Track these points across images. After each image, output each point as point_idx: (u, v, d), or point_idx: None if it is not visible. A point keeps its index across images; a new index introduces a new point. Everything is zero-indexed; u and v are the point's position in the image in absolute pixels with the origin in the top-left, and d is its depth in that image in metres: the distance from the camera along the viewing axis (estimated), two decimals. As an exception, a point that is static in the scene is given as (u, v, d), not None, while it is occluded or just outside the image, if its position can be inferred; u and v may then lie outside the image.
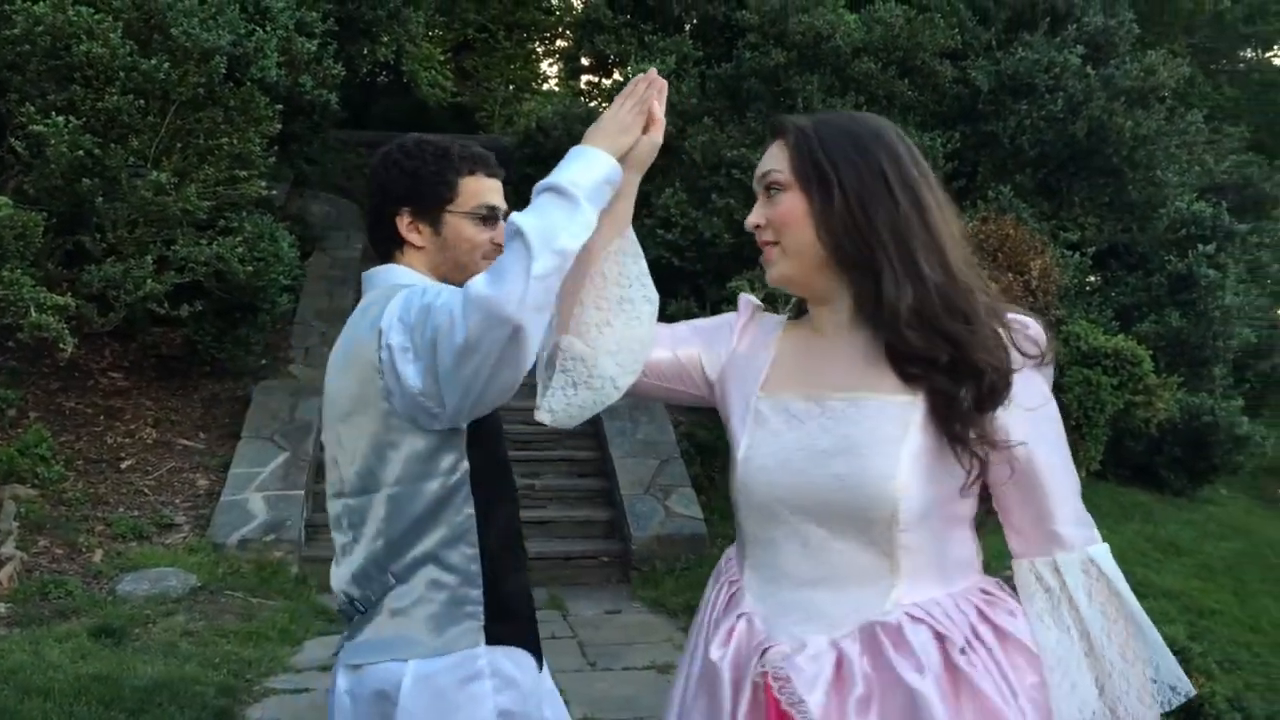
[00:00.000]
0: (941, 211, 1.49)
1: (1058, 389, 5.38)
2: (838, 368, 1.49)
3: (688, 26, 12.13)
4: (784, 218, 1.51)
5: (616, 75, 12.83)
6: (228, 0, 7.34)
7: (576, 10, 15.49)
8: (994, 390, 1.42)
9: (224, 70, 7.02)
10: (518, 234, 1.51)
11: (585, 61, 14.10)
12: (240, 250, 7.10)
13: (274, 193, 8.38)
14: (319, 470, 7.45)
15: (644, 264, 1.62)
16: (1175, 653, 2.94)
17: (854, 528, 1.43)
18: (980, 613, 1.47)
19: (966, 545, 1.54)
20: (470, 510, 1.75)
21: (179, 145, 7.10)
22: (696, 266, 10.22)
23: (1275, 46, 21.23)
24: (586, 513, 7.57)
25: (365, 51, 10.53)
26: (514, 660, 1.77)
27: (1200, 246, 10.23)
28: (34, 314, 5.82)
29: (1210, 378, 10.26)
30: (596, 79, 14.94)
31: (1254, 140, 16.72)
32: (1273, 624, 7.08)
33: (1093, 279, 10.76)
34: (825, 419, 1.46)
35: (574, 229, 1.51)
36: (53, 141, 6.32)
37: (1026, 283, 6.08)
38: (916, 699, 1.36)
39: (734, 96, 10.72)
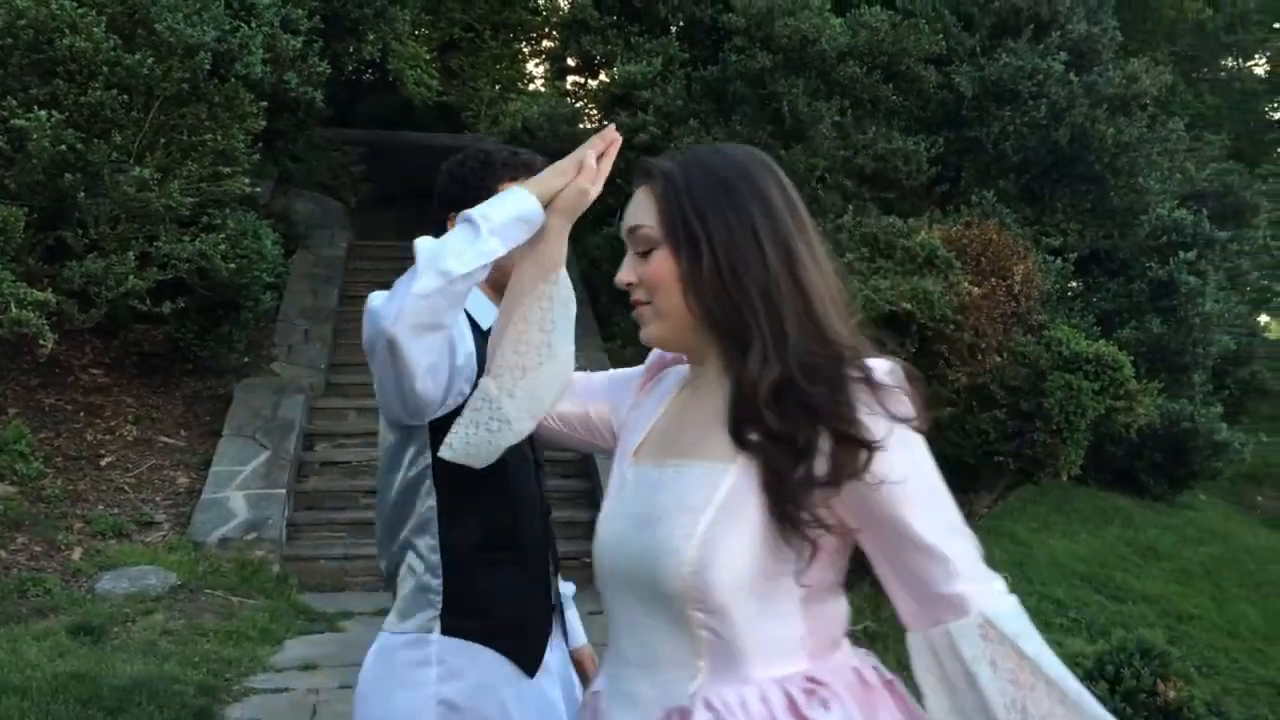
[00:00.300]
0: (814, 258, 1.39)
1: (1040, 393, 5.42)
2: (692, 431, 1.40)
3: (674, 28, 12.15)
4: (654, 278, 1.40)
5: (603, 76, 12.83)
6: (213, -4, 7.30)
7: (563, 11, 15.47)
8: (841, 465, 1.28)
9: (208, 66, 6.98)
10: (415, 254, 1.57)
11: (571, 62, 14.08)
12: (223, 247, 7.06)
13: (258, 190, 8.35)
14: (300, 469, 7.41)
15: (573, 310, 1.60)
16: (1154, 657, 2.97)
17: (658, 604, 1.33)
18: (790, 704, 1.31)
19: (797, 626, 1.37)
20: (432, 503, 1.82)
21: (162, 141, 7.06)
22: (681, 268, 10.23)
23: (1256, 55, 21.42)
24: (570, 514, 7.57)
25: (351, 49, 10.49)
26: (470, 655, 1.80)
27: (1181, 253, 10.32)
28: (14, 310, 5.77)
29: (1190, 384, 10.35)
30: (583, 80, 14.92)
31: (1234, 148, 16.87)
32: (1250, 629, 7.15)
33: (1074, 284, 10.84)
34: (649, 487, 1.39)
35: (466, 255, 1.53)
36: (34, 136, 6.27)
37: (1009, 287, 6.12)
38: None
39: (720, 99, 10.74)
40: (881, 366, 1.34)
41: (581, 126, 13.68)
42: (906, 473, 1.31)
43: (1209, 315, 10.24)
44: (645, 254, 1.42)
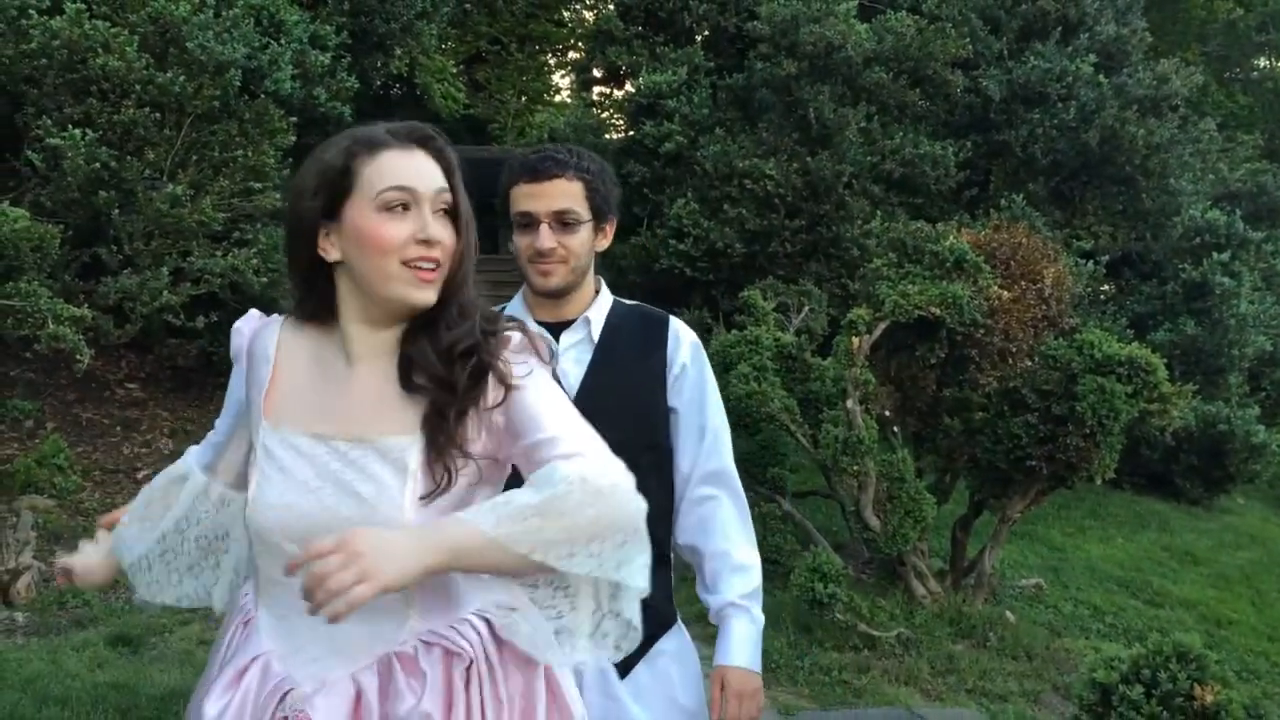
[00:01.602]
0: None
1: (1072, 397, 5.37)
2: (347, 403, 1.44)
3: (699, 38, 12.18)
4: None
5: (628, 86, 12.87)
6: (242, 14, 7.40)
7: (588, 22, 15.56)
8: (476, 394, 1.41)
9: (239, 83, 7.08)
10: None
11: (597, 73, 14.14)
12: (255, 262, 7.14)
13: (288, 205, 8.44)
14: (333, 480, 7.47)
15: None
16: (1190, 661, 2.93)
17: None
18: (489, 627, 1.42)
19: None
20: None
21: (194, 158, 7.15)
22: (709, 276, 10.24)
23: (1289, 54, 21.15)
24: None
25: (379, 64, 10.59)
26: None
27: (1215, 255, 10.20)
28: (51, 326, 5.86)
29: (1226, 386, 10.22)
30: (608, 90, 15.00)
31: (1268, 148, 16.67)
32: (1290, 633, 7.04)
33: (1106, 288, 10.74)
34: (334, 462, 1.42)
35: None
36: (69, 154, 6.38)
37: (1040, 291, 6.06)
38: None
39: (745, 107, 10.75)
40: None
41: (608, 137, 13.73)
42: (531, 388, 1.43)
43: (1244, 316, 10.11)
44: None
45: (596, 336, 2.02)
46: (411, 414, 1.43)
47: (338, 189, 1.43)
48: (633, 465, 1.92)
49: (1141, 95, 10.50)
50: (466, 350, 1.42)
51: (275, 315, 1.57)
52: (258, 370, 1.52)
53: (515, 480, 1.44)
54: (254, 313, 1.58)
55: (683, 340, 2.07)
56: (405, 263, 1.40)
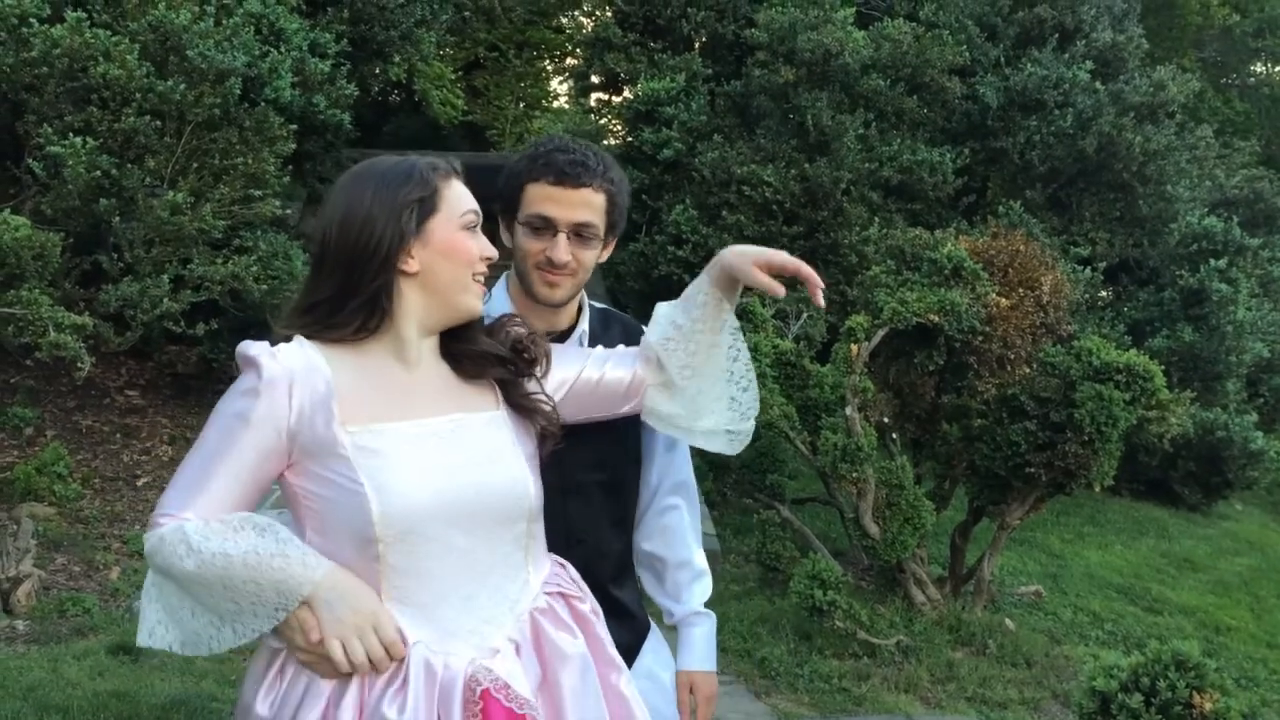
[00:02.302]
0: None
1: (1071, 404, 5.38)
2: (424, 396, 1.58)
3: (697, 45, 12.22)
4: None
5: (626, 92, 12.90)
6: (242, 22, 7.42)
7: (587, 29, 15.59)
8: (534, 357, 1.66)
9: (239, 91, 7.09)
10: None
11: (595, 79, 14.19)
12: (255, 269, 7.15)
13: (288, 212, 8.45)
14: (333, 487, 7.46)
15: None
16: (1189, 669, 2.95)
17: (497, 529, 1.56)
18: (563, 564, 1.71)
19: None
20: None
21: (195, 165, 7.16)
22: (707, 283, 10.24)
23: (1285, 60, 21.22)
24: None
25: (378, 71, 10.63)
26: None
27: (1212, 261, 10.23)
28: (52, 333, 5.87)
29: (1224, 393, 10.25)
30: (606, 97, 15.03)
31: (1265, 154, 16.73)
32: (1289, 639, 7.05)
33: (1104, 294, 10.77)
34: (443, 439, 1.55)
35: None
36: (70, 162, 6.39)
37: (1038, 298, 6.09)
38: (582, 663, 1.58)
39: (743, 114, 10.79)
40: None
41: (606, 143, 13.76)
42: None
43: (1241, 323, 10.14)
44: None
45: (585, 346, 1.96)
46: (487, 397, 1.64)
47: (427, 207, 1.58)
48: (623, 482, 1.91)
49: (1138, 102, 10.54)
50: (505, 333, 1.67)
51: (283, 340, 1.56)
52: (313, 386, 1.51)
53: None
54: (266, 342, 1.56)
55: None
56: (474, 276, 1.61)
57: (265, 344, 1.54)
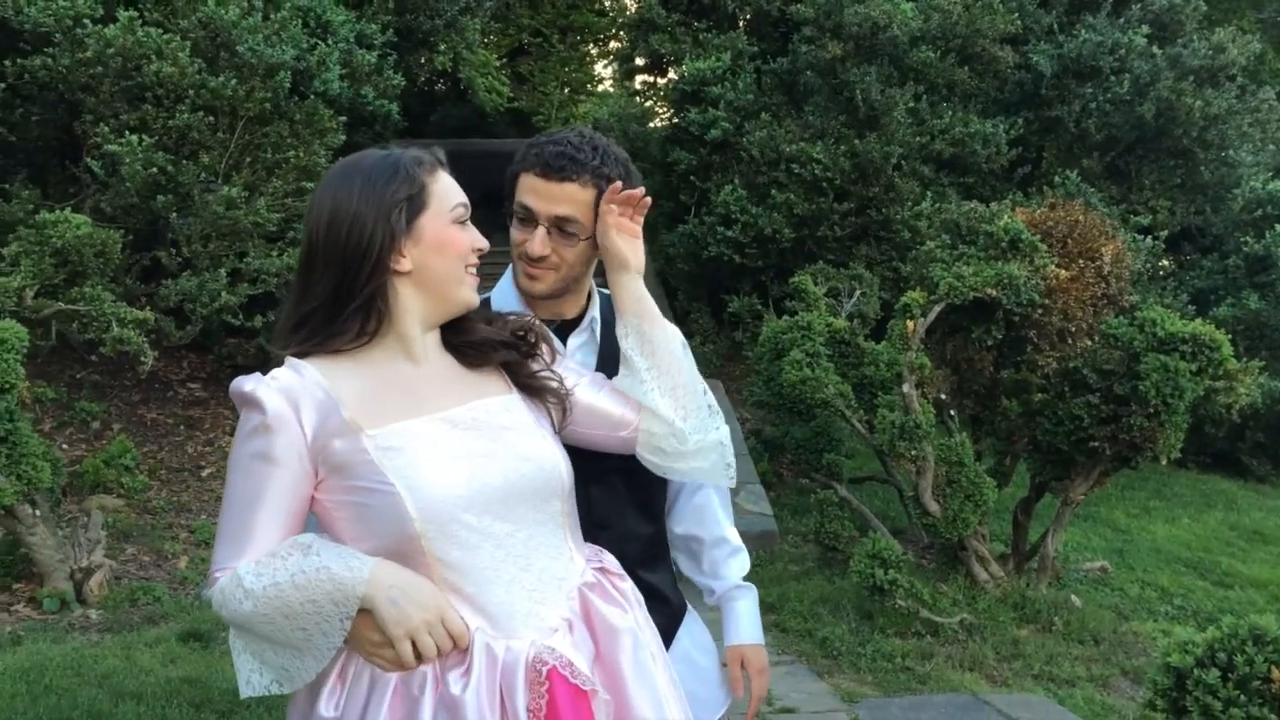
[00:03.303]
0: None
1: (1135, 376, 5.27)
2: (436, 388, 1.57)
3: (742, 23, 12.11)
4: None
5: (671, 73, 12.84)
6: (290, 16, 7.48)
7: (630, 11, 15.52)
8: (534, 340, 1.67)
9: (289, 85, 7.16)
10: None
11: (640, 61, 14.13)
12: (309, 261, 7.22)
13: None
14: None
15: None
16: (1267, 644, 2.87)
17: (533, 510, 1.56)
18: (598, 549, 1.72)
19: None
20: None
21: (247, 160, 7.25)
22: (758, 263, 10.19)
23: (1350, 17, 20.54)
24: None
25: (423, 60, 10.68)
26: None
27: (1277, 226, 9.95)
28: (116, 329, 5.99)
29: (1292, 361, 9.98)
30: (651, 78, 14.96)
31: (1330, 115, 16.18)
32: (1366, 613, 6.86)
33: (1165, 263, 10.54)
34: (463, 429, 1.54)
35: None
36: (127, 160, 6.50)
37: (1098, 269, 5.95)
38: (633, 638, 1.59)
39: (791, 91, 10.68)
40: None
41: (652, 125, 13.71)
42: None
43: (1309, 289, 9.86)
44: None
45: (599, 333, 1.91)
46: (496, 382, 1.64)
47: (416, 204, 1.55)
48: (646, 472, 1.86)
49: (1197, 66, 10.27)
50: (504, 322, 1.68)
51: (276, 369, 1.54)
52: (317, 403, 1.51)
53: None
54: (256, 374, 1.54)
55: None
56: (466, 268, 1.60)
57: (257, 376, 1.53)
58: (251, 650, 1.51)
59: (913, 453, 5.48)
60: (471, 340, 1.63)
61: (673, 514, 2.06)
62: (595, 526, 1.80)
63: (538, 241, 1.77)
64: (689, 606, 2.07)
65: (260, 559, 1.47)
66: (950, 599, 5.60)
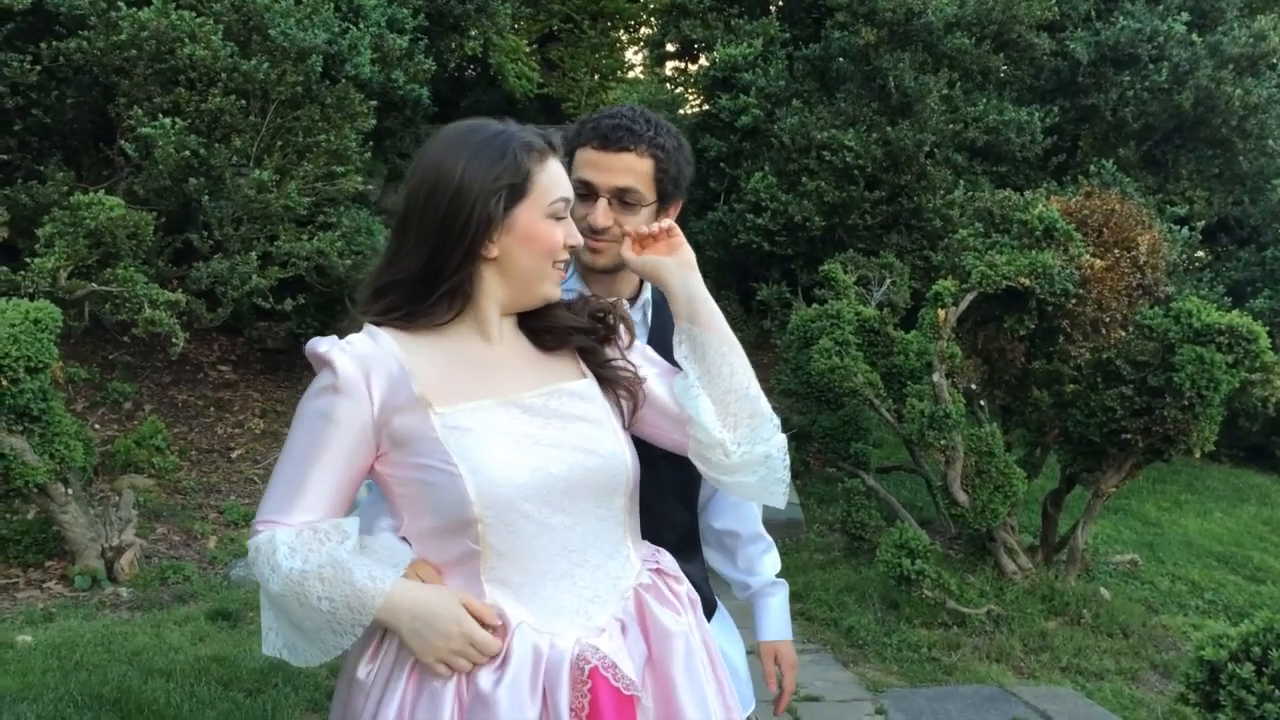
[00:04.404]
0: None
1: (1169, 368, 5.20)
2: (510, 371, 1.55)
3: (774, 8, 12.02)
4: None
5: (703, 60, 12.77)
6: (322, 0, 7.50)
7: (661, -3, 15.44)
8: (614, 323, 1.63)
9: (320, 69, 7.18)
10: None
11: (671, 48, 14.06)
12: (339, 244, 7.26)
13: (370, 187, 8.56)
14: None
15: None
16: (1304, 639, 2.83)
17: (594, 505, 1.52)
18: (656, 549, 1.68)
19: None
20: None
21: (279, 143, 7.28)
22: (788, 250, 10.14)
23: (1396, 5, 20.13)
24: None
25: (454, 45, 10.66)
26: None
27: (1317, 218, 9.79)
28: (148, 310, 6.03)
29: (1330, 355, 9.82)
30: (683, 65, 14.89)
31: (1374, 105, 15.88)
32: (1403, 611, 6.76)
33: (1201, 254, 10.38)
34: (533, 415, 1.51)
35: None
36: (160, 143, 6.54)
37: (1134, 259, 5.87)
38: (686, 642, 1.54)
39: (823, 77, 10.59)
40: None
41: (682, 112, 13.65)
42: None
43: (1350, 282, 9.70)
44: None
45: (650, 317, 1.91)
46: (571, 368, 1.61)
47: (516, 193, 1.52)
48: (685, 459, 1.85)
49: (1237, 54, 10.09)
50: (584, 304, 1.64)
51: (352, 335, 1.53)
52: (390, 375, 1.48)
53: None
54: (333, 337, 1.52)
55: None
56: (554, 264, 1.57)
57: (334, 339, 1.51)
58: (274, 610, 1.52)
59: (942, 442, 5.43)
60: (549, 325, 1.60)
61: (710, 508, 2.05)
62: (643, 506, 1.79)
63: (600, 213, 1.78)
64: (718, 602, 2.05)
65: (301, 531, 1.45)
66: (978, 590, 5.56)
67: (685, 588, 1.64)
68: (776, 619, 2.07)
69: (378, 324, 1.52)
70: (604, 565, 1.54)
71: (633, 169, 1.78)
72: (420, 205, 1.50)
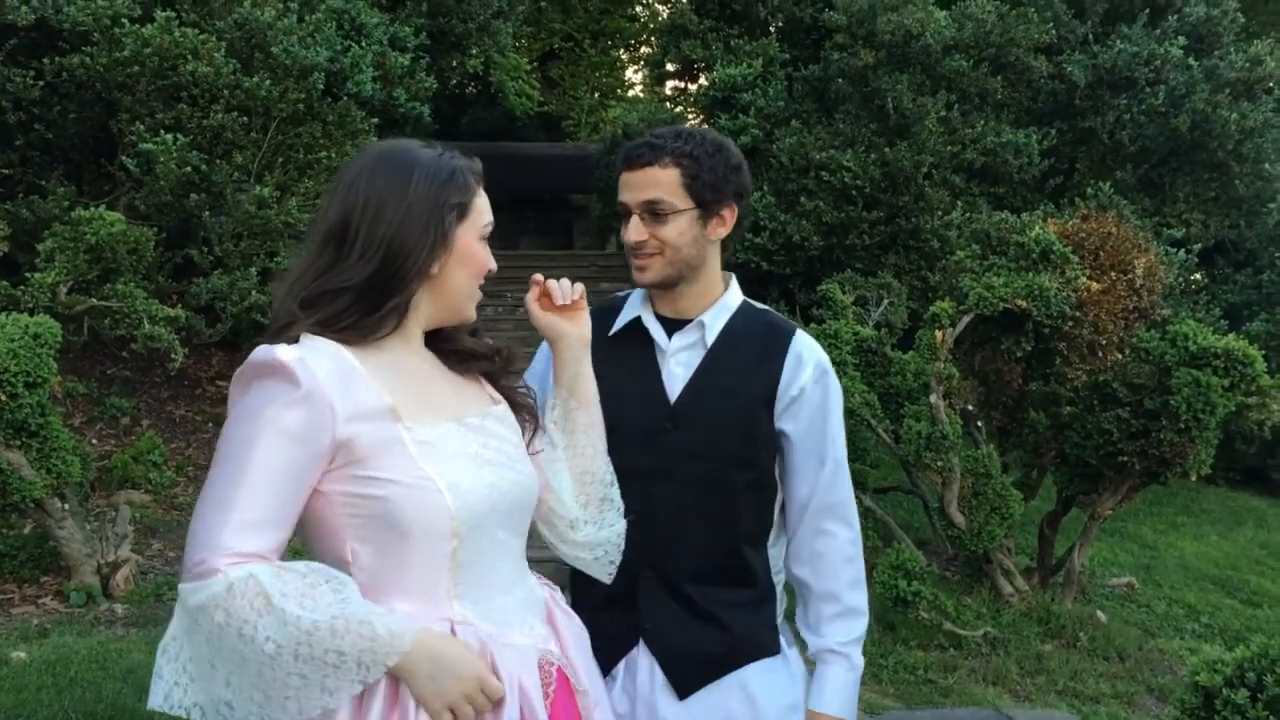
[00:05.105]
0: None
1: (1166, 391, 5.21)
2: (444, 389, 1.57)
3: (774, 29, 12.09)
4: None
5: (702, 79, 12.83)
6: (325, 18, 7.54)
7: (662, 16, 15.55)
8: (508, 357, 1.68)
9: (322, 86, 7.22)
10: None
11: (671, 67, 14.12)
12: (339, 261, 7.27)
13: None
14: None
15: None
16: (1299, 665, 2.82)
17: (522, 522, 1.59)
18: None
19: None
20: None
21: (280, 160, 7.32)
22: (786, 270, 10.17)
23: (1391, 31, 20.25)
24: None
25: (455, 64, 10.72)
26: None
27: (1313, 241, 9.84)
28: (147, 326, 6.05)
29: (1326, 378, 9.84)
30: (682, 84, 14.97)
31: (1370, 129, 15.96)
32: (1399, 636, 6.75)
33: (1198, 277, 10.42)
34: (476, 435, 1.54)
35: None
36: (161, 159, 6.57)
37: (1130, 282, 5.90)
38: (584, 639, 1.66)
39: (822, 98, 10.65)
40: None
41: (682, 131, 13.67)
42: None
43: (1346, 306, 9.73)
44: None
45: (710, 341, 1.85)
46: (483, 391, 1.65)
47: (461, 213, 1.54)
48: (725, 480, 1.81)
49: (1234, 78, 10.15)
50: (479, 334, 1.69)
51: (297, 344, 1.44)
52: (350, 387, 1.43)
53: None
54: (282, 346, 1.42)
55: (806, 362, 1.87)
56: (479, 285, 1.60)
57: (293, 349, 1.42)
58: (194, 660, 1.35)
59: (939, 464, 5.44)
60: (458, 347, 1.62)
61: (791, 551, 1.92)
62: (648, 526, 1.78)
63: (632, 229, 1.81)
64: (784, 649, 1.90)
65: (279, 571, 1.32)
66: (974, 612, 5.55)
67: (557, 592, 1.73)
68: (826, 690, 1.86)
69: (315, 334, 1.46)
70: (527, 577, 1.61)
71: (656, 181, 1.79)
72: (366, 220, 1.47)
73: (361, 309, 1.47)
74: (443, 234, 1.50)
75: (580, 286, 1.73)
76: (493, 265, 1.60)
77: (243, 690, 1.33)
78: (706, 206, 1.81)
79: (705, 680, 1.82)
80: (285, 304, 1.48)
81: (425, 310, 1.55)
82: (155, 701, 1.36)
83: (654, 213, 1.80)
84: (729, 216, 1.84)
